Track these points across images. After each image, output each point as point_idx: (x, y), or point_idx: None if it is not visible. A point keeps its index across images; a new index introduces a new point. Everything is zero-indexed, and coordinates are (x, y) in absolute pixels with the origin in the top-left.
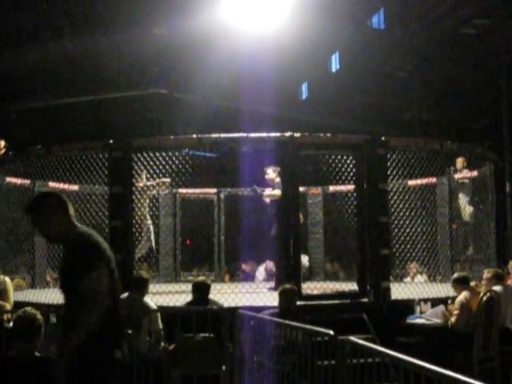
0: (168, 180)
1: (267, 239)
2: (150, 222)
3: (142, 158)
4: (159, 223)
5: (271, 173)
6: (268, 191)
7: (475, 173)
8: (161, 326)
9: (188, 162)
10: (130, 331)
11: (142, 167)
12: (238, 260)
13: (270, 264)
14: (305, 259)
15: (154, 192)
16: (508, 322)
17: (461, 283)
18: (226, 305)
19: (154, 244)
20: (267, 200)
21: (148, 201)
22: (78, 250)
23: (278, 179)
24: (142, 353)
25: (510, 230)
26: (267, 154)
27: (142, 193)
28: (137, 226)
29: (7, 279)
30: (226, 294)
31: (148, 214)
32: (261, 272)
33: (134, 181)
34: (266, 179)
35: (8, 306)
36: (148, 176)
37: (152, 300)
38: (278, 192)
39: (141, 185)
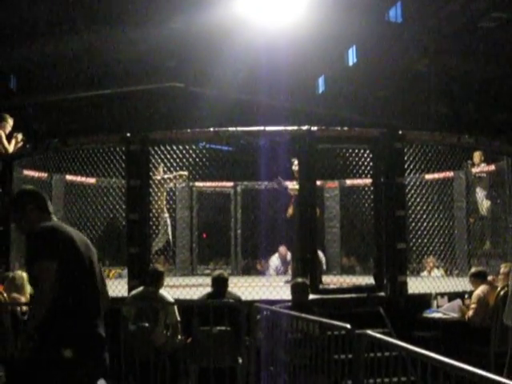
0: (186, 173)
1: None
2: (167, 215)
3: (159, 152)
4: (176, 216)
5: (295, 167)
6: (293, 185)
7: (492, 167)
8: (178, 319)
9: (205, 156)
10: (146, 324)
11: (159, 160)
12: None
13: (284, 249)
14: (320, 254)
15: (172, 185)
16: None
17: (478, 278)
18: (242, 298)
19: (170, 237)
20: (291, 193)
21: (165, 194)
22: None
23: None
24: (159, 346)
25: None
26: (284, 148)
27: (159, 186)
28: (154, 219)
29: (24, 274)
30: (243, 288)
31: (165, 207)
32: (273, 261)
33: (151, 174)
34: (292, 170)
35: (23, 299)
36: (165, 169)
37: (169, 293)
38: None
39: (158, 178)
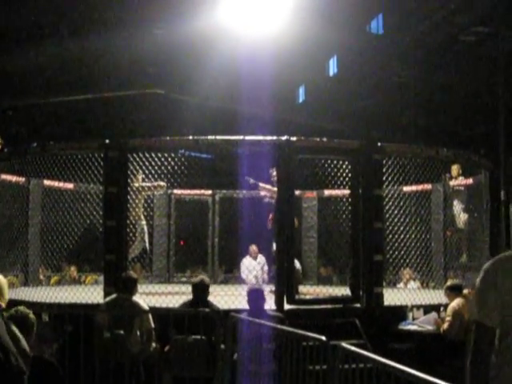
0: (164, 184)
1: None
2: (144, 222)
3: (137, 159)
4: (153, 224)
5: (274, 173)
6: (264, 185)
7: (470, 180)
8: (152, 326)
9: (184, 163)
10: (121, 331)
11: (138, 168)
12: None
13: (254, 248)
14: (297, 264)
15: (149, 193)
16: None
17: (454, 291)
18: (219, 306)
19: (147, 245)
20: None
21: (143, 201)
22: None
23: None
24: (134, 353)
25: (504, 239)
26: (263, 157)
27: (137, 193)
28: (131, 226)
29: (1, 277)
30: (219, 297)
31: (142, 214)
32: (244, 262)
33: (129, 181)
34: (272, 180)
35: (3, 305)
36: (144, 177)
37: (145, 301)
38: (275, 188)
39: (136, 185)
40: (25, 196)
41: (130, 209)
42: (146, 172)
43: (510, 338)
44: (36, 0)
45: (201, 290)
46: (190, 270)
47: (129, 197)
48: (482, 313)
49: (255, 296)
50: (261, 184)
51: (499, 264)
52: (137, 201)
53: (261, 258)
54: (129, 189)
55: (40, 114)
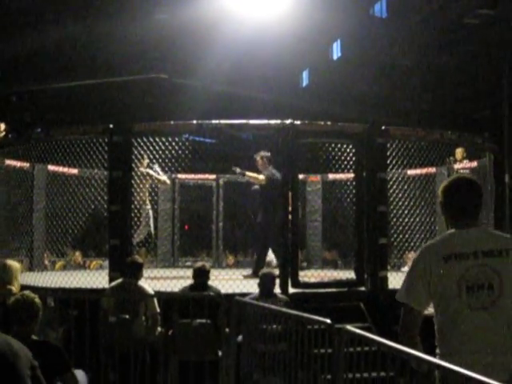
0: (168, 183)
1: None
2: (149, 207)
3: (141, 143)
4: (158, 208)
5: (258, 159)
6: (251, 173)
7: (475, 163)
8: (158, 310)
9: (188, 148)
10: (126, 316)
11: (142, 152)
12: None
13: None
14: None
15: (153, 183)
16: None
17: None
18: (223, 291)
19: (152, 229)
20: (255, 186)
21: (148, 186)
22: None
23: (265, 165)
24: (139, 337)
25: (508, 222)
26: (267, 141)
27: (143, 178)
28: (135, 210)
29: (14, 262)
30: (224, 281)
31: (147, 199)
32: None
33: (134, 166)
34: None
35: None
36: (149, 161)
37: (150, 285)
38: (260, 177)
39: (142, 170)
40: (29, 181)
41: (134, 193)
42: (151, 157)
43: (448, 326)
44: None
45: (201, 275)
46: (194, 255)
47: (134, 181)
48: (411, 297)
49: (266, 279)
50: (247, 173)
51: (427, 252)
52: (141, 185)
53: None
54: (134, 174)
55: (44, 99)
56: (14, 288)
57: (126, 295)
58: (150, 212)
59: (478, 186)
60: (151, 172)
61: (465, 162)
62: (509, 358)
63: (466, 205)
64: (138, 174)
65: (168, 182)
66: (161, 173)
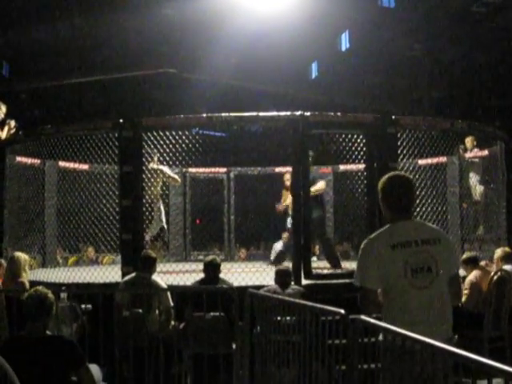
0: (179, 182)
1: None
2: (161, 202)
3: (151, 137)
4: (169, 203)
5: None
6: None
7: (486, 152)
8: (171, 304)
9: (198, 142)
10: (140, 310)
11: (152, 147)
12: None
13: (287, 236)
14: (278, 245)
15: (164, 179)
16: None
17: (470, 263)
18: (235, 284)
19: (164, 224)
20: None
21: (160, 182)
22: None
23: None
24: (153, 331)
25: None
26: (277, 133)
27: (154, 174)
28: (147, 205)
29: (21, 254)
30: (237, 273)
31: (159, 194)
32: (276, 247)
33: (145, 161)
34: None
35: (25, 280)
36: (159, 156)
37: (162, 279)
38: (322, 184)
39: (154, 167)
40: (40, 178)
41: (146, 189)
42: (161, 151)
43: (396, 302)
44: None
45: (213, 269)
46: (206, 249)
47: (145, 177)
48: (367, 280)
49: (282, 274)
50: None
51: (376, 242)
52: (152, 180)
53: None
54: (145, 169)
55: (53, 96)
56: (24, 279)
57: (140, 289)
58: (162, 207)
59: (412, 182)
60: (164, 169)
61: (475, 150)
62: (444, 327)
63: (401, 200)
64: (150, 170)
65: (179, 180)
66: (170, 172)
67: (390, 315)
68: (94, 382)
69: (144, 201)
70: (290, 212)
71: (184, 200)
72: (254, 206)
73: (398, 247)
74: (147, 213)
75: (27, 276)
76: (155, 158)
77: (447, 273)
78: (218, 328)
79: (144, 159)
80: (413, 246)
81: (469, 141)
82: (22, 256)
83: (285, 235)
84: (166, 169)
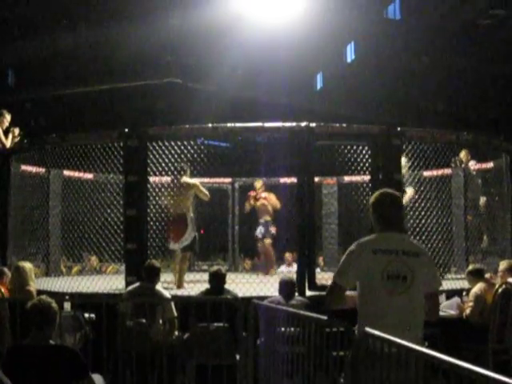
0: (208, 197)
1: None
2: (192, 214)
3: (157, 147)
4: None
5: None
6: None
7: (491, 164)
8: (175, 315)
9: (203, 152)
10: (143, 320)
11: (186, 160)
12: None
13: (289, 256)
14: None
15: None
16: None
17: (475, 275)
18: (240, 294)
19: (196, 234)
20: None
21: (193, 194)
22: None
23: None
24: (156, 341)
25: None
26: (282, 144)
27: (187, 187)
28: (157, 215)
29: (27, 263)
30: (241, 284)
31: (192, 206)
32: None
33: (177, 175)
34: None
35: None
36: (192, 169)
37: (166, 289)
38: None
39: (188, 180)
40: (45, 187)
41: (177, 201)
42: (166, 160)
43: (370, 304)
44: None
45: (218, 279)
46: (210, 259)
47: (177, 190)
48: (342, 277)
49: (287, 286)
50: None
51: (360, 246)
52: (184, 192)
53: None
54: (176, 182)
55: (58, 105)
56: (32, 288)
57: (144, 299)
58: (193, 218)
59: (400, 199)
60: (198, 183)
61: (471, 162)
62: (413, 334)
63: (390, 216)
64: (183, 183)
65: (209, 196)
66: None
67: (363, 315)
68: None
69: (181, 212)
70: (261, 220)
71: None
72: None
73: (379, 253)
74: (151, 222)
75: (34, 285)
76: (188, 171)
77: (424, 286)
78: (222, 338)
79: (176, 172)
80: (393, 254)
81: (464, 154)
82: (26, 265)
83: (287, 255)
84: (199, 183)
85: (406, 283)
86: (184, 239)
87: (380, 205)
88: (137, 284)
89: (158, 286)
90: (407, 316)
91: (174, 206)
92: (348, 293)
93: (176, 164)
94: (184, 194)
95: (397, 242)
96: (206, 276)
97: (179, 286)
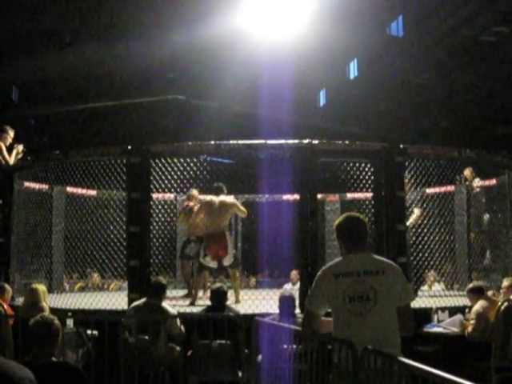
0: (246, 214)
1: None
2: (229, 232)
3: (160, 164)
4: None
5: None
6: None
7: (493, 181)
8: (183, 330)
9: (206, 169)
10: (146, 337)
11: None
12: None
13: (295, 275)
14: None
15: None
16: None
17: (476, 293)
18: (242, 311)
19: (234, 251)
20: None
21: (232, 212)
22: None
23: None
24: (159, 358)
25: None
26: (285, 161)
27: (228, 207)
28: (165, 232)
29: (41, 285)
30: (243, 301)
31: (229, 224)
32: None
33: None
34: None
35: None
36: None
37: (169, 305)
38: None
39: (226, 200)
40: (48, 203)
41: (217, 220)
42: (169, 177)
43: (337, 326)
44: (55, 8)
45: (220, 296)
46: (213, 275)
47: (216, 209)
48: (313, 304)
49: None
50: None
51: (324, 272)
52: (224, 211)
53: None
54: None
55: (61, 121)
56: (45, 305)
57: (149, 316)
58: (232, 236)
59: (363, 222)
60: (237, 202)
61: (476, 180)
62: (390, 350)
63: (353, 237)
64: (221, 201)
65: (246, 213)
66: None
67: (337, 336)
68: None
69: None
70: (191, 237)
71: None
72: (261, 232)
73: (340, 277)
74: (154, 238)
75: (47, 305)
76: (225, 190)
77: (391, 302)
78: (224, 355)
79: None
80: (354, 276)
81: (468, 172)
82: (40, 287)
83: (293, 274)
84: (238, 202)
85: (369, 302)
86: (228, 258)
87: (342, 229)
88: (143, 300)
89: (164, 303)
90: (377, 335)
91: (211, 224)
92: (323, 318)
93: (179, 181)
94: (224, 212)
95: (359, 263)
96: (208, 292)
97: (236, 301)
